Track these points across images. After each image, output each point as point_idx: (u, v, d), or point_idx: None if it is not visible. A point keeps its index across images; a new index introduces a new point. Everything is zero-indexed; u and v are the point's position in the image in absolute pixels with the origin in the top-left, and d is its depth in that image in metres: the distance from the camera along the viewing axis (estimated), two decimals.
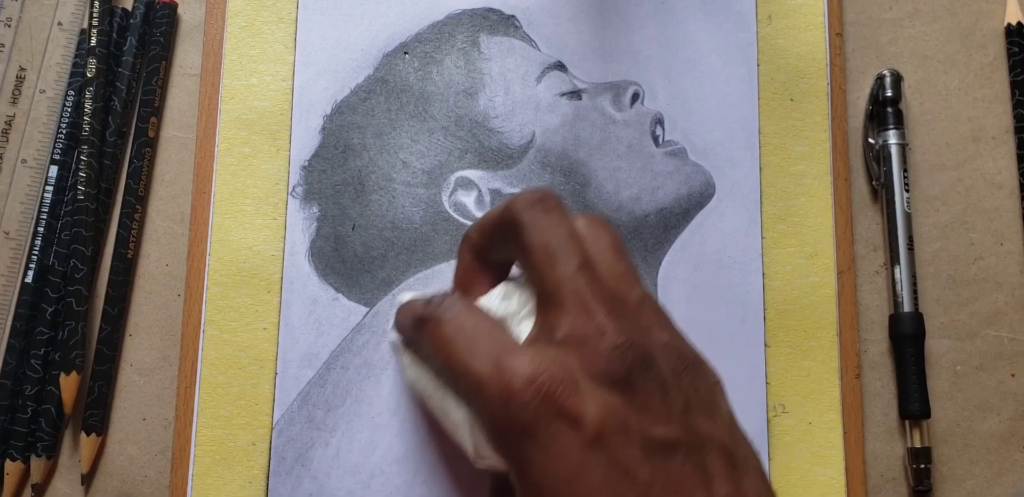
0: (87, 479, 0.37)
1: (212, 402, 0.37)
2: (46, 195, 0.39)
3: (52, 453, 0.37)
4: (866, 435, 0.38)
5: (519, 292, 0.29)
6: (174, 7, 0.41)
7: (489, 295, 0.30)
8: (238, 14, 0.40)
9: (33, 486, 0.37)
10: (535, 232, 0.28)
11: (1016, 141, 0.41)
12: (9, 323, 0.38)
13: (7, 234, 0.39)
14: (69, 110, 0.40)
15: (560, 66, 0.40)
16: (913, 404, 0.38)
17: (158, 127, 0.41)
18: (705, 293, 0.38)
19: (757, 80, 0.40)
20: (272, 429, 0.37)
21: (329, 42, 0.40)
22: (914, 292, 0.39)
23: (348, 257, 0.38)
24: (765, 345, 0.38)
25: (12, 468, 0.37)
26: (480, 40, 0.40)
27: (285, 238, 0.38)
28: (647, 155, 0.40)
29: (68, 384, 0.37)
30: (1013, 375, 0.39)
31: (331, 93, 0.40)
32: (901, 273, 0.39)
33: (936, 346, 0.39)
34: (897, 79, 0.41)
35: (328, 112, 0.40)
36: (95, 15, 0.40)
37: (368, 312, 0.38)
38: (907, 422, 0.38)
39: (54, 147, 0.40)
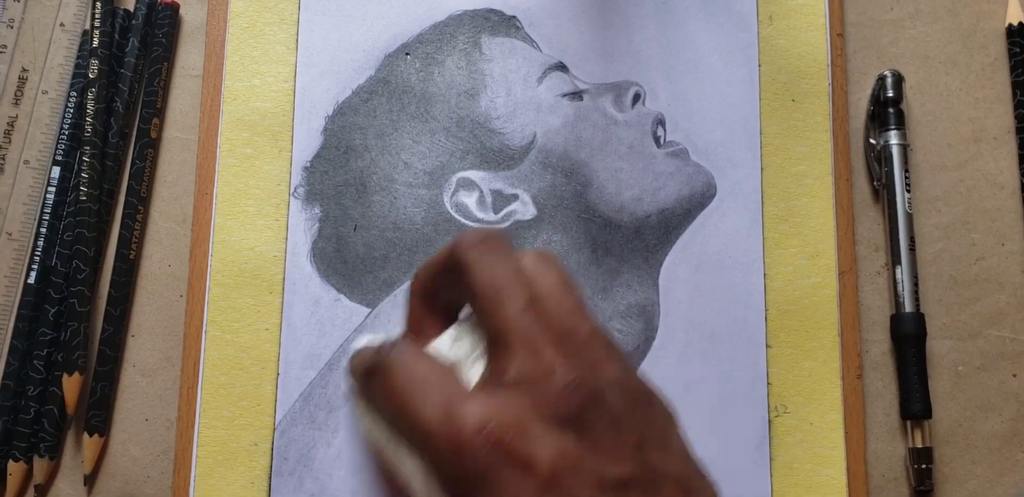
0: (90, 480, 0.37)
1: (214, 403, 0.37)
2: (48, 196, 0.39)
3: (55, 454, 0.37)
4: (868, 435, 0.38)
5: (470, 334, 0.29)
6: (176, 8, 0.41)
7: (440, 339, 0.29)
8: (240, 15, 0.40)
9: (36, 487, 0.37)
10: (481, 272, 0.27)
11: (1017, 141, 0.41)
12: (12, 324, 0.38)
13: (10, 235, 0.39)
14: (71, 111, 0.40)
15: (561, 67, 0.40)
16: (915, 404, 0.38)
17: (160, 128, 0.41)
18: (707, 294, 0.38)
19: (758, 81, 0.40)
20: (274, 430, 0.37)
21: (331, 43, 0.40)
22: (915, 292, 0.39)
23: (350, 258, 0.38)
24: (767, 345, 0.38)
25: (15, 469, 0.37)
26: (481, 41, 0.40)
27: (287, 239, 0.38)
28: (648, 156, 0.40)
29: (70, 385, 0.37)
30: (1015, 375, 0.39)
31: (333, 94, 0.40)
32: (902, 273, 0.39)
33: (937, 346, 0.39)
34: (898, 80, 0.41)
35: (330, 113, 0.40)
36: (97, 16, 0.40)
37: (370, 313, 0.38)
38: (909, 422, 0.38)
39: (56, 148, 0.40)
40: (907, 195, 0.40)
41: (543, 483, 0.24)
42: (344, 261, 0.38)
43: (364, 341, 0.33)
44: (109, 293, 0.38)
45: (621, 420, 0.25)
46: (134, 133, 0.40)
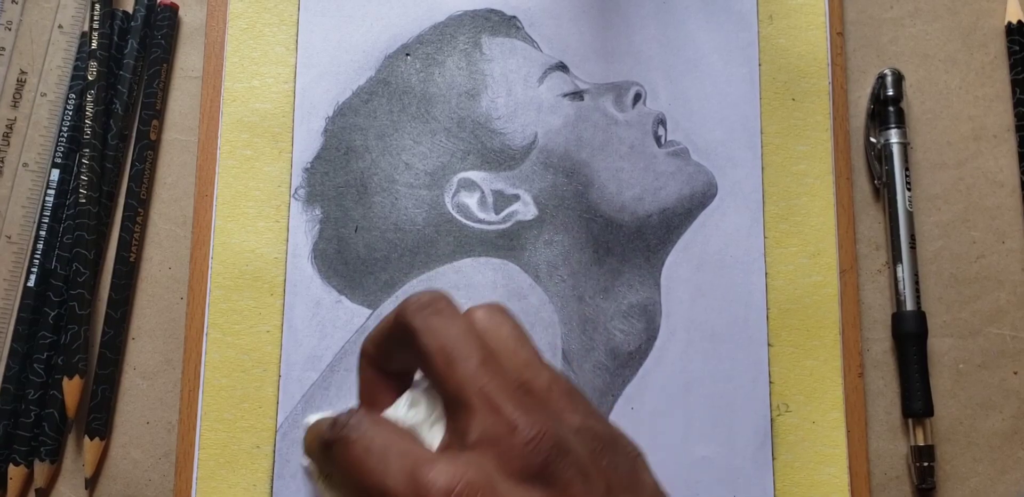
0: (91, 483, 0.37)
1: (215, 405, 0.37)
2: (48, 199, 0.39)
3: (55, 457, 0.37)
4: (869, 434, 0.38)
5: (425, 398, 0.28)
6: (175, 10, 0.41)
7: (395, 406, 0.29)
8: (239, 16, 0.40)
9: (37, 490, 0.37)
10: (430, 336, 0.27)
11: (1017, 139, 0.41)
12: (11, 327, 0.38)
13: (9, 238, 0.39)
14: (70, 113, 0.40)
15: (562, 67, 0.40)
16: (916, 402, 0.38)
17: (160, 130, 0.41)
18: (708, 293, 0.38)
19: (759, 80, 0.40)
20: (276, 432, 0.37)
21: (331, 44, 0.40)
22: (916, 291, 0.39)
23: (351, 259, 0.38)
24: (768, 344, 0.38)
25: (15, 473, 0.37)
26: (482, 41, 0.40)
27: (288, 240, 0.38)
28: (649, 155, 0.40)
29: (71, 388, 0.37)
30: (1015, 373, 0.39)
31: (333, 95, 0.40)
32: (903, 272, 0.39)
33: (938, 344, 0.39)
34: (898, 78, 0.41)
35: (330, 114, 0.40)
36: (96, 18, 0.40)
37: (371, 314, 0.38)
38: (910, 420, 0.38)
39: (55, 150, 0.40)
40: (907, 193, 0.40)
41: None
42: (345, 262, 0.38)
43: (315, 417, 0.32)
44: (109, 296, 0.38)
45: (588, 469, 0.25)
46: (133, 135, 0.40)
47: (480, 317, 0.28)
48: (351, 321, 0.38)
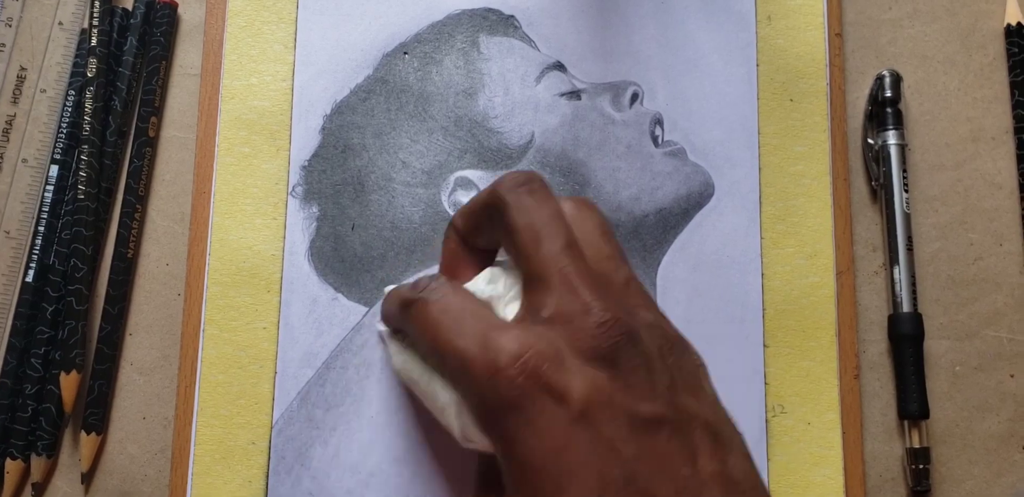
0: (87, 478, 0.37)
1: (212, 401, 0.37)
2: (47, 194, 0.39)
3: (52, 452, 0.37)
4: (865, 435, 0.38)
5: (505, 276, 0.29)
6: (174, 7, 0.41)
7: (475, 280, 0.30)
8: (238, 14, 0.40)
9: (33, 485, 0.37)
10: (520, 213, 0.27)
11: (1015, 141, 0.41)
12: (9, 322, 0.38)
13: (8, 233, 0.39)
14: (70, 110, 0.40)
15: (559, 66, 0.40)
16: (912, 404, 0.38)
17: (158, 127, 0.41)
18: (704, 293, 0.38)
19: (756, 80, 0.40)
20: (272, 428, 0.37)
21: (329, 42, 0.40)
22: (913, 292, 0.39)
23: (348, 257, 0.38)
24: (764, 345, 0.38)
25: (12, 467, 0.37)
26: (479, 40, 0.40)
27: (285, 238, 0.38)
28: (646, 155, 0.40)
29: (68, 383, 0.37)
30: (1012, 376, 0.39)
31: (331, 93, 0.40)
32: (900, 273, 0.39)
33: (935, 346, 0.39)
34: (896, 79, 0.41)
35: (328, 112, 0.40)
36: (95, 15, 0.40)
37: (367, 312, 0.38)
38: (906, 422, 0.38)
39: (55, 147, 0.40)
40: (905, 195, 0.40)
41: (575, 415, 0.24)
42: (342, 260, 0.38)
43: (393, 287, 0.33)
44: (107, 292, 0.38)
45: (654, 362, 0.25)
46: (132, 132, 0.40)
47: (570, 207, 0.29)
48: (347, 319, 0.38)
